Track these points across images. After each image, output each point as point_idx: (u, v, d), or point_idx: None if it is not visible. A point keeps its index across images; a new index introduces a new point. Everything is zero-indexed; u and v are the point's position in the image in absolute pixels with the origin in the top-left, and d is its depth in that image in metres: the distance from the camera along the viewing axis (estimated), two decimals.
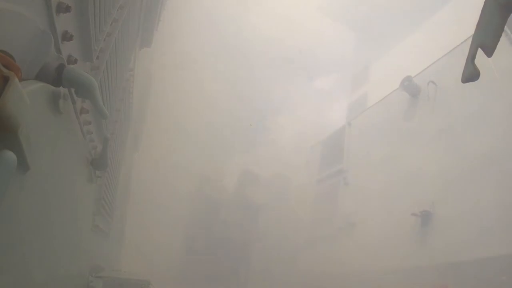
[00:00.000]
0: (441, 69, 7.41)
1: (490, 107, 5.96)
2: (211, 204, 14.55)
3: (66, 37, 1.47)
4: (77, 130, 1.78)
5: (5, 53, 0.82)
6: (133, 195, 9.11)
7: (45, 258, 1.20)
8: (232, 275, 14.27)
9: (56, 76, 1.19)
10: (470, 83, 1.04)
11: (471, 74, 1.01)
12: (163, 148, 12.77)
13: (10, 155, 0.71)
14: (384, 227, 7.44)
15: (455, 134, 6.52)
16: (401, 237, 6.86)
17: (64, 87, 1.25)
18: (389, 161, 8.01)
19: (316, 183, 11.03)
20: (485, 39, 0.92)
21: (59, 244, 1.43)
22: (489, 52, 0.93)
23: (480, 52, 0.95)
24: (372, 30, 13.25)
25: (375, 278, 7.08)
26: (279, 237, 17.34)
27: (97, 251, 4.08)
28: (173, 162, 13.12)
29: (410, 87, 7.93)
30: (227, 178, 15.46)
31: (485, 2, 0.91)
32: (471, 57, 0.99)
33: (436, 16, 9.78)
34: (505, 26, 0.88)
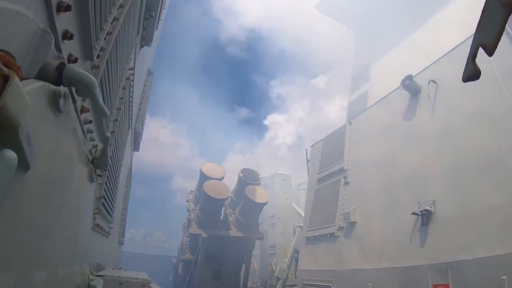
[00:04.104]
0: (442, 68, 7.40)
1: (491, 107, 5.95)
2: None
3: (67, 36, 1.47)
4: (78, 129, 1.78)
5: (5, 52, 0.82)
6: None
7: (46, 257, 1.21)
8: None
9: (56, 75, 1.18)
10: (471, 82, 1.04)
11: (472, 74, 1.00)
12: None
13: (11, 154, 0.71)
14: (385, 226, 7.45)
15: (456, 133, 6.51)
16: (401, 236, 6.86)
17: (65, 86, 1.25)
18: (390, 160, 8.01)
19: (317, 182, 11.04)
20: (486, 38, 0.92)
21: (60, 243, 1.43)
22: (490, 52, 0.92)
23: (481, 51, 0.95)
24: (372, 28, 13.24)
25: (375, 277, 7.09)
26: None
27: (98, 250, 4.09)
28: None
29: (411, 86, 7.92)
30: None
31: (486, 1, 0.91)
32: (472, 56, 0.99)
33: (437, 15, 9.77)
34: (507, 26, 0.88)
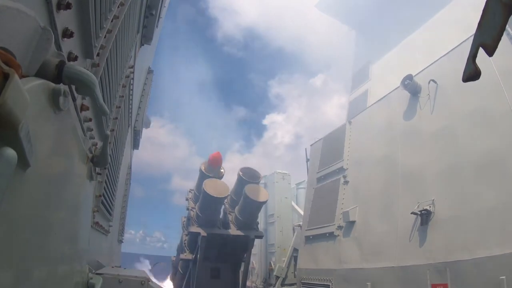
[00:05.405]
0: (442, 68, 7.40)
1: (491, 107, 5.96)
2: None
3: (67, 34, 1.47)
4: (78, 127, 1.77)
5: (5, 50, 0.82)
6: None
7: (45, 255, 1.21)
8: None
9: (56, 73, 1.18)
10: (471, 82, 1.04)
11: (472, 74, 1.00)
12: None
13: (11, 152, 0.70)
14: (384, 226, 7.45)
15: (456, 133, 6.52)
16: (400, 236, 6.87)
17: (65, 84, 1.25)
18: (390, 160, 8.01)
19: (316, 181, 11.04)
20: (487, 38, 0.92)
21: (59, 241, 1.43)
22: (490, 52, 0.92)
23: (481, 51, 0.95)
24: (373, 28, 13.22)
25: (374, 277, 7.10)
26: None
27: (97, 248, 4.09)
28: None
29: (411, 85, 7.92)
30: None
31: (487, 1, 0.91)
32: (472, 56, 0.99)
33: (438, 14, 9.76)
34: (507, 26, 0.88)
